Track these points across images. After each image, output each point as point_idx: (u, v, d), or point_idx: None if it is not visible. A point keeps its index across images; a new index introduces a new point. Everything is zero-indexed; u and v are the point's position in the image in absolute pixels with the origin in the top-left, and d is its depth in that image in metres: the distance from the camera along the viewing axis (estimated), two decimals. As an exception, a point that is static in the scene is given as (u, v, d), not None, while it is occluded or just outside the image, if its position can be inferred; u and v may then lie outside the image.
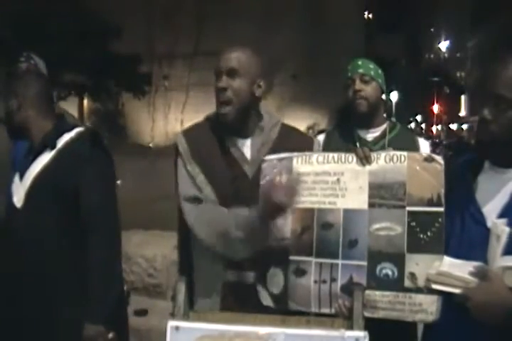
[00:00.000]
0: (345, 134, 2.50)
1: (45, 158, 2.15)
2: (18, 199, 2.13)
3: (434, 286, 1.63)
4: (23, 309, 2.08)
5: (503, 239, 1.56)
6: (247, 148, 1.99)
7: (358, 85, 2.43)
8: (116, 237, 2.14)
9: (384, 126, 2.49)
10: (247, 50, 1.98)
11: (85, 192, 2.08)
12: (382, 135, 2.47)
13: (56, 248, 2.07)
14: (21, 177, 2.17)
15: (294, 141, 1.99)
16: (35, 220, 2.09)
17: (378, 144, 2.42)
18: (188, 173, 1.95)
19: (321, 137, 2.56)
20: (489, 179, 1.71)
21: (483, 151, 1.72)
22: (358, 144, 2.37)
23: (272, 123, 2.03)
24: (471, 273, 1.56)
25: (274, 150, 1.95)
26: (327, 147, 2.45)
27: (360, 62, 2.48)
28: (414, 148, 2.32)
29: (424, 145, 2.40)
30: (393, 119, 2.59)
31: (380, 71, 2.49)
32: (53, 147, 2.15)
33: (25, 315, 2.08)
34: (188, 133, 2.03)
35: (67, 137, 2.17)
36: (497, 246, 1.57)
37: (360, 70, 2.45)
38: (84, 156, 2.11)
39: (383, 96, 2.52)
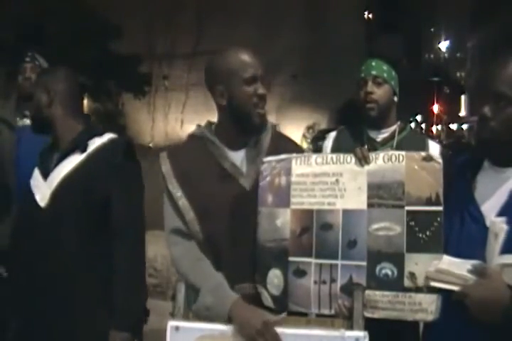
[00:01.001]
0: (355, 134, 2.49)
1: (75, 160, 2.13)
2: (42, 198, 2.12)
3: (433, 284, 1.63)
4: (46, 309, 2.07)
5: (501, 237, 1.57)
6: (241, 160, 1.94)
7: (370, 87, 2.41)
8: (143, 247, 2.15)
9: (394, 127, 2.47)
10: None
11: (117, 203, 2.08)
12: (392, 136, 2.46)
13: (80, 249, 2.07)
14: (44, 175, 2.15)
15: (286, 148, 1.97)
16: (60, 221, 2.08)
17: (386, 145, 2.42)
18: (170, 197, 1.91)
19: (333, 134, 2.56)
20: (488, 178, 1.71)
21: (483, 149, 1.72)
22: (366, 144, 2.37)
23: (266, 129, 2.00)
24: (470, 271, 1.57)
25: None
26: (337, 145, 2.45)
27: (373, 64, 2.44)
28: (423, 150, 2.30)
29: (434, 148, 2.36)
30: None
31: (393, 73, 2.45)
32: (84, 150, 2.14)
33: (48, 315, 2.07)
34: (172, 153, 1.98)
35: (99, 142, 2.16)
36: (495, 244, 1.57)
37: (373, 72, 2.42)
38: (118, 165, 2.10)
39: (395, 98, 2.50)
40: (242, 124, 1.92)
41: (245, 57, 1.91)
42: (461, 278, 1.57)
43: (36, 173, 2.19)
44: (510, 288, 1.53)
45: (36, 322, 2.09)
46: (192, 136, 2.01)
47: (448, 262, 1.63)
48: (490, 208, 1.66)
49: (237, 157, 1.94)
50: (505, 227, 1.56)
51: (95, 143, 2.15)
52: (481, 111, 1.63)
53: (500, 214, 1.63)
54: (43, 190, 2.13)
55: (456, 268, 1.60)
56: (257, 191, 1.87)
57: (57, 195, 2.10)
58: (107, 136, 2.19)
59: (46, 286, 2.08)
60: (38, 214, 2.12)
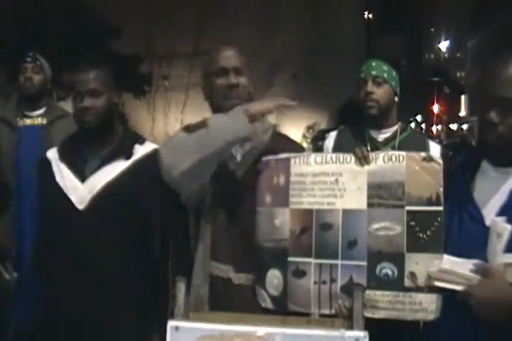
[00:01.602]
0: (356, 133, 2.50)
1: (119, 166, 2.13)
2: (80, 200, 2.10)
3: (437, 284, 1.63)
4: (83, 310, 2.07)
5: (505, 237, 1.57)
6: (236, 149, 1.98)
7: (370, 87, 2.43)
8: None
9: (395, 127, 2.49)
10: (238, 49, 2.02)
11: (160, 215, 2.12)
12: (393, 136, 2.47)
13: (118, 253, 2.08)
14: (80, 177, 2.13)
15: (286, 148, 1.97)
16: (101, 225, 2.08)
17: (388, 145, 2.43)
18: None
19: (333, 134, 2.57)
20: (487, 178, 1.71)
21: (486, 152, 1.72)
22: (368, 144, 2.38)
23: (264, 127, 2.02)
24: (473, 270, 1.57)
25: (265, 155, 1.94)
26: (338, 144, 2.46)
27: (374, 64, 2.46)
28: (424, 150, 2.31)
29: (435, 149, 2.39)
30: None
31: (394, 73, 2.47)
32: (129, 157, 2.14)
33: (82, 315, 2.07)
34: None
35: (142, 151, 2.16)
36: (497, 244, 1.58)
37: (373, 72, 2.44)
38: (161, 178, 2.10)
39: (396, 99, 2.51)
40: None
41: (220, 51, 1.98)
42: (464, 277, 1.57)
43: (66, 172, 2.15)
44: None
45: (71, 321, 2.08)
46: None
47: (449, 262, 1.63)
48: (490, 208, 1.66)
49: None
50: (508, 227, 1.57)
51: (139, 151, 2.16)
52: (488, 116, 1.63)
53: (500, 214, 1.63)
54: (80, 192, 2.11)
55: (458, 267, 1.60)
56: (248, 182, 1.88)
57: (99, 199, 2.10)
58: (149, 145, 2.20)
59: (80, 284, 2.08)
60: (75, 215, 2.10)
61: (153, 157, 2.11)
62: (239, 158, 1.98)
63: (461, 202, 1.71)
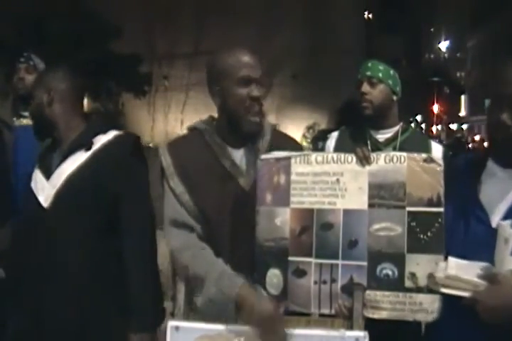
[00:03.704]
0: (358, 134, 2.50)
1: (80, 158, 2.09)
2: (45, 199, 2.08)
3: (443, 290, 1.62)
4: (53, 310, 2.04)
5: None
6: (241, 159, 1.91)
7: (364, 88, 2.43)
8: (154, 245, 2.14)
9: (396, 128, 2.49)
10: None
11: (126, 200, 2.06)
12: (394, 136, 2.46)
13: (87, 248, 2.04)
14: (47, 176, 2.11)
15: (286, 148, 1.94)
16: (66, 220, 2.04)
17: (390, 145, 2.43)
18: (172, 191, 1.89)
19: (335, 134, 2.56)
20: (494, 179, 1.71)
21: (495, 153, 1.71)
22: (369, 144, 2.38)
23: (264, 130, 1.96)
24: (480, 276, 1.56)
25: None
26: (340, 144, 2.46)
27: (369, 65, 2.46)
28: (426, 151, 2.31)
29: (437, 150, 2.38)
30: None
31: (391, 72, 2.45)
32: (89, 148, 2.10)
33: (56, 316, 2.03)
34: (173, 146, 1.95)
35: (104, 139, 2.12)
36: (505, 249, 1.57)
37: (368, 73, 2.44)
38: (126, 163, 2.07)
39: (394, 97, 2.50)
40: (235, 128, 1.89)
41: (242, 56, 1.86)
42: (471, 284, 1.56)
43: (38, 176, 2.14)
44: None
45: (44, 322, 2.04)
46: (193, 130, 1.98)
47: (455, 266, 1.62)
48: (496, 210, 1.66)
49: (237, 155, 1.91)
50: None
51: (101, 140, 2.11)
52: (501, 118, 1.63)
53: (507, 216, 1.63)
54: (46, 191, 2.09)
55: (464, 272, 1.59)
56: (255, 191, 1.86)
57: (61, 193, 2.06)
58: (113, 133, 2.14)
59: (53, 287, 2.04)
60: (41, 215, 2.08)
61: (115, 142, 2.09)
62: (244, 169, 1.90)
63: (466, 203, 1.71)
